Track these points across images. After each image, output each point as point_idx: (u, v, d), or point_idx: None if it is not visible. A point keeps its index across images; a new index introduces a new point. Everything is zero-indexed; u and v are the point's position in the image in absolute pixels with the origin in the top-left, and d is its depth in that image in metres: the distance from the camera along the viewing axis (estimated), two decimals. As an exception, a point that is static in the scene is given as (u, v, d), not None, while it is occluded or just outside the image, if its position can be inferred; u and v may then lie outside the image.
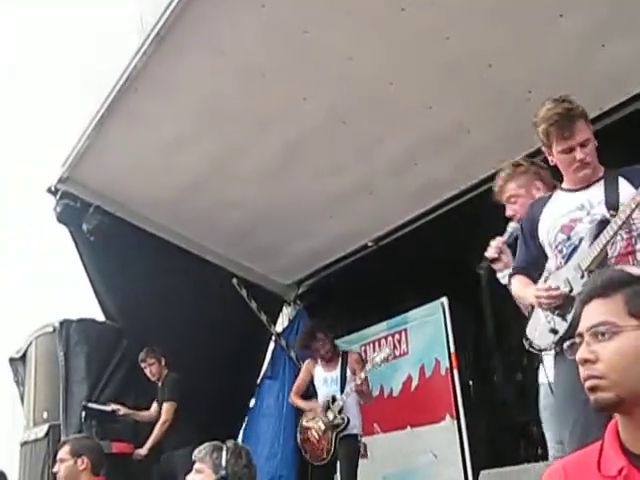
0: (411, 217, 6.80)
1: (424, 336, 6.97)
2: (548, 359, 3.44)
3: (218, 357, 7.38)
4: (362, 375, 6.15)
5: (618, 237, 2.95)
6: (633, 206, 2.84)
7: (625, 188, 3.03)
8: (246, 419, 8.48)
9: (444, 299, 6.69)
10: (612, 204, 2.98)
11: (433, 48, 4.86)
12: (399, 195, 6.48)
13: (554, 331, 3.03)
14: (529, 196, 3.71)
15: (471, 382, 6.65)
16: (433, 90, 5.29)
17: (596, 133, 3.22)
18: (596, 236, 2.96)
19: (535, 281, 3.24)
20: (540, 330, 3.15)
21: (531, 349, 3.24)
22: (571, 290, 2.98)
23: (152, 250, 7.17)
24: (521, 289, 3.31)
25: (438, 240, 6.38)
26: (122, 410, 6.90)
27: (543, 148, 3.29)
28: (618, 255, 3.00)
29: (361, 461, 6.29)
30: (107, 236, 6.84)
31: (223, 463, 3.50)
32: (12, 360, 8.08)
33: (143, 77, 5.37)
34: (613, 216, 2.92)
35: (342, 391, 6.28)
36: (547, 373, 3.52)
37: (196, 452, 3.67)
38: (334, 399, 6.29)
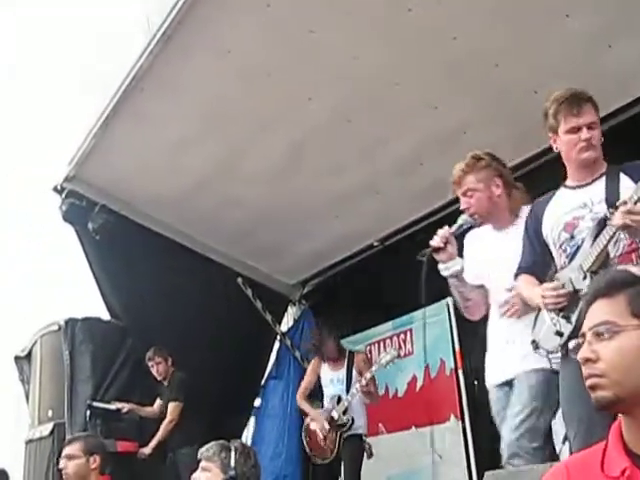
0: (417, 217, 6.79)
1: (429, 336, 6.94)
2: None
3: (222, 356, 7.38)
4: (368, 375, 6.16)
5: (621, 235, 2.93)
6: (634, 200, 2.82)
7: (626, 184, 3.02)
8: (253, 419, 8.49)
9: (449, 299, 6.66)
10: (612, 202, 2.95)
11: (439, 48, 4.86)
12: (405, 195, 6.48)
13: (559, 333, 3.03)
14: (487, 192, 3.67)
15: (476, 382, 6.61)
16: (439, 90, 5.28)
17: (602, 134, 3.22)
18: (597, 235, 2.95)
19: (541, 281, 3.23)
20: (545, 332, 3.15)
21: (537, 351, 3.23)
22: (575, 291, 2.98)
23: (157, 249, 7.18)
24: (526, 289, 3.30)
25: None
26: (126, 407, 6.92)
27: (549, 134, 3.26)
28: (621, 254, 2.99)
29: (365, 461, 6.29)
30: (112, 235, 6.86)
31: (232, 463, 3.47)
32: (17, 358, 8.11)
33: (149, 77, 5.38)
34: (613, 214, 2.89)
35: (348, 391, 6.29)
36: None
37: (203, 450, 3.64)
38: (339, 399, 6.31)
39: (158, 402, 7.11)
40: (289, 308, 8.73)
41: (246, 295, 8.08)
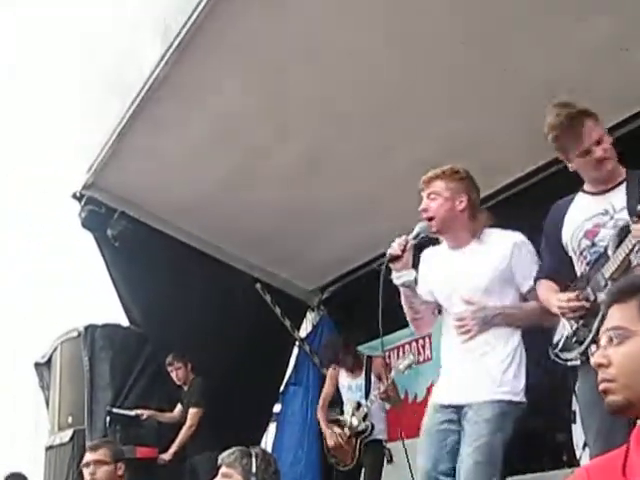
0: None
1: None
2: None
3: (241, 362, 7.37)
4: (386, 382, 6.15)
5: None
6: None
7: None
8: (273, 426, 8.48)
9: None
10: (634, 210, 2.92)
11: (451, 53, 4.83)
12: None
13: (579, 342, 3.00)
14: (450, 203, 3.59)
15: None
16: (456, 95, 5.25)
17: (618, 139, 3.19)
18: (619, 243, 2.92)
19: (562, 286, 3.20)
20: (565, 340, 3.13)
21: (557, 359, 3.21)
22: (595, 299, 2.95)
23: (176, 256, 7.20)
24: (545, 296, 3.27)
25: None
26: (146, 413, 6.94)
27: (560, 155, 3.25)
28: None
29: (385, 467, 6.27)
30: (131, 242, 6.89)
31: (253, 469, 3.47)
32: (37, 365, 8.16)
33: (166, 85, 5.39)
34: (636, 222, 2.86)
35: (367, 397, 6.28)
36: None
37: (224, 456, 3.61)
38: (359, 405, 6.29)
39: (179, 407, 7.13)
40: (308, 314, 8.71)
41: (265, 301, 8.07)
